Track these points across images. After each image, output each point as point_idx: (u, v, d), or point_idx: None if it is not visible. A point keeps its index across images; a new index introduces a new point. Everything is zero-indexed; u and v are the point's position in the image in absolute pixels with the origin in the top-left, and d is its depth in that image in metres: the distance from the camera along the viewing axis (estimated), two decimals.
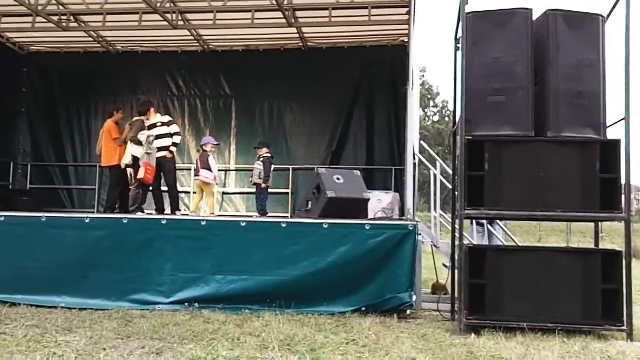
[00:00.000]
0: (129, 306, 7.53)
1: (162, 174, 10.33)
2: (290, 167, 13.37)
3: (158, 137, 10.21)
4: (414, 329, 6.63)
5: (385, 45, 13.25)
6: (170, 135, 10.36)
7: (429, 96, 44.62)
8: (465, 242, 7.09)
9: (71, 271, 7.80)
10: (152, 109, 10.51)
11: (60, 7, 12.32)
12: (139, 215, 9.28)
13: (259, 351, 5.40)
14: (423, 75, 42.78)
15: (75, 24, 12.85)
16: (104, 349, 5.44)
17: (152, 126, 10.29)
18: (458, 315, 6.65)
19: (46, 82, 14.57)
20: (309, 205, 8.96)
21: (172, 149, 10.37)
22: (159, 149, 10.20)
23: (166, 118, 10.70)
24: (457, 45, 7.38)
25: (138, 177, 9.92)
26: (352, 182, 9.08)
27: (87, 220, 8.05)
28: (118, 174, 10.60)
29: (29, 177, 14.42)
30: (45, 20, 12.38)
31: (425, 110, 45.03)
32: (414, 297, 7.36)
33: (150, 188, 10.34)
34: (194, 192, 11.92)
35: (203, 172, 10.89)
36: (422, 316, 7.43)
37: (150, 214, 10.07)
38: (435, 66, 57.21)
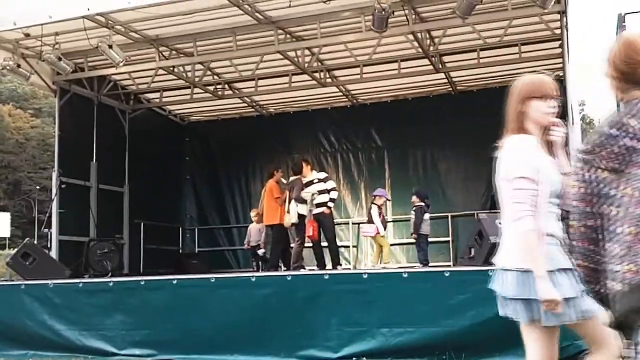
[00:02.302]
0: None
1: (321, 230, 10.44)
2: (449, 214, 13.06)
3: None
4: None
5: None
6: (328, 191, 10.48)
7: (590, 130, 42.58)
8: None
9: (241, 329, 7.96)
10: (307, 167, 10.72)
11: (215, 77, 13.02)
12: (302, 272, 9.39)
13: None
14: (582, 109, 40.98)
15: (230, 92, 13.54)
16: None
17: (309, 183, 10.48)
18: None
19: (206, 149, 15.38)
20: (472, 253, 8.69)
21: (330, 204, 10.48)
22: (317, 205, 10.35)
23: (322, 174, 10.87)
24: None
25: (307, 234, 10.10)
26: None
27: (253, 280, 8.24)
28: (280, 232, 10.86)
29: (197, 241, 15.13)
30: (203, 91, 13.13)
31: None
32: None
33: (310, 244, 10.48)
34: (354, 246, 11.92)
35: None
36: None
37: (313, 269, 10.15)
38: (594, 98, 54.64)
